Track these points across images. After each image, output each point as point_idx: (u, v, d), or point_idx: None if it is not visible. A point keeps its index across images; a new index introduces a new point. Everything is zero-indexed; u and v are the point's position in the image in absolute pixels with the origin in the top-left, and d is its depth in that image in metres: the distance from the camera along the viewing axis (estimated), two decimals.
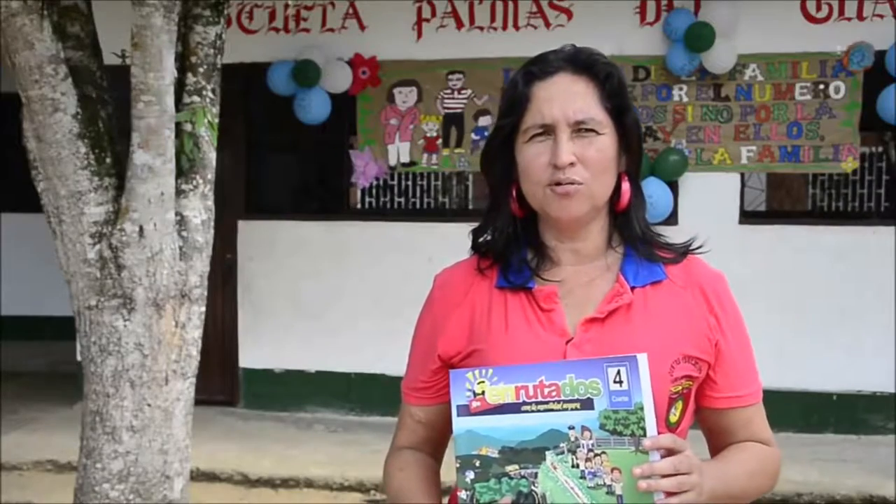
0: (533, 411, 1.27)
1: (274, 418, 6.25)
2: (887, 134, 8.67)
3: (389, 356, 5.69)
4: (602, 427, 1.25)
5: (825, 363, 5.79)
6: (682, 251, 1.48)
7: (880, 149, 9.52)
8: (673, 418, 1.41)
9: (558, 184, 1.38)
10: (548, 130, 1.39)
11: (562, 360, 1.32)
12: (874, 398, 5.78)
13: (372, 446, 5.48)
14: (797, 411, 5.75)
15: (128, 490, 3.02)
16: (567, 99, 1.39)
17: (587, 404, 1.26)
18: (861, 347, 5.72)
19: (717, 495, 1.33)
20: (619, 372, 1.26)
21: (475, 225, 1.53)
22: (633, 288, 1.42)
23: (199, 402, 3.39)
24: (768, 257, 5.81)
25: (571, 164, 1.37)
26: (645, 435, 1.24)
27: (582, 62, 1.42)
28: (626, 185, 1.45)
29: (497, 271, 1.47)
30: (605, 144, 1.40)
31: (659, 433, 1.28)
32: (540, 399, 1.27)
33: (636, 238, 1.46)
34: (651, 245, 1.46)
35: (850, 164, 5.77)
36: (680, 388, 1.40)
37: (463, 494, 1.29)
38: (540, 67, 1.42)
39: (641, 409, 1.24)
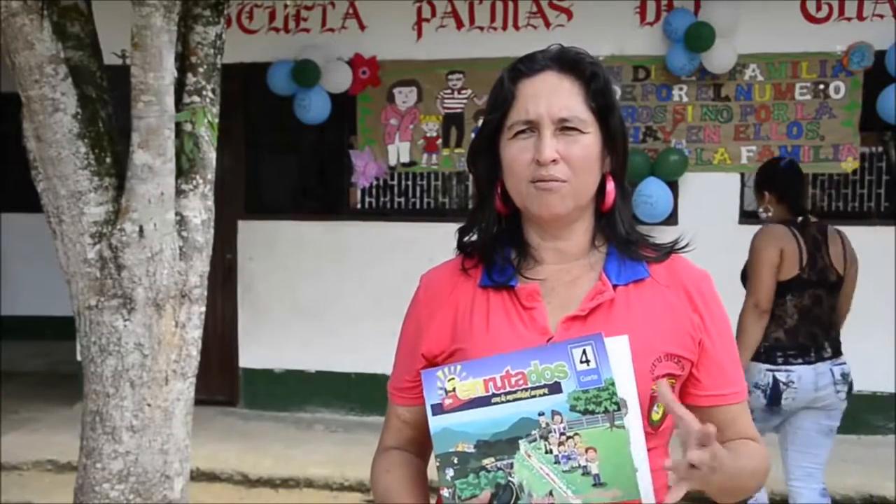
0: (503, 402, 1.28)
1: (274, 418, 6.25)
2: (887, 134, 8.65)
3: (389, 356, 5.67)
4: (573, 409, 1.26)
5: None
6: (667, 251, 1.48)
7: (880, 149, 9.51)
8: (655, 416, 1.40)
9: (541, 180, 1.38)
10: (532, 127, 1.40)
11: (526, 348, 1.32)
12: (874, 398, 5.78)
13: (372, 446, 5.47)
14: None
15: (128, 490, 3.02)
16: (552, 96, 1.40)
17: (555, 388, 1.27)
18: (861, 347, 5.70)
19: (720, 488, 1.34)
20: (584, 351, 1.27)
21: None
22: (615, 286, 1.42)
23: (199, 402, 3.38)
24: None
25: (554, 161, 1.37)
26: (619, 409, 1.25)
27: (568, 61, 1.42)
28: (610, 186, 1.45)
29: (481, 270, 1.47)
30: (588, 143, 1.40)
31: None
32: (508, 389, 1.28)
33: (620, 239, 1.46)
34: (635, 245, 1.46)
35: (850, 164, 5.78)
36: None
37: (445, 492, 1.30)
38: (526, 65, 1.43)
39: (612, 384, 1.26)
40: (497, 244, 1.47)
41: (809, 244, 3.63)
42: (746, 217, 6.21)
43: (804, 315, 3.60)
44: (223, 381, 6.41)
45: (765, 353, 3.57)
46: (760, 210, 3.83)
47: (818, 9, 5.69)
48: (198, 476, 4.78)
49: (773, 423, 3.69)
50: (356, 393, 6.26)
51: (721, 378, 1.46)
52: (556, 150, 1.38)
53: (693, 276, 1.47)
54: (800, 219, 3.68)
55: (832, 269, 3.67)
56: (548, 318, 1.41)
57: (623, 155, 1.46)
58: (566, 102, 1.39)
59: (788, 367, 3.57)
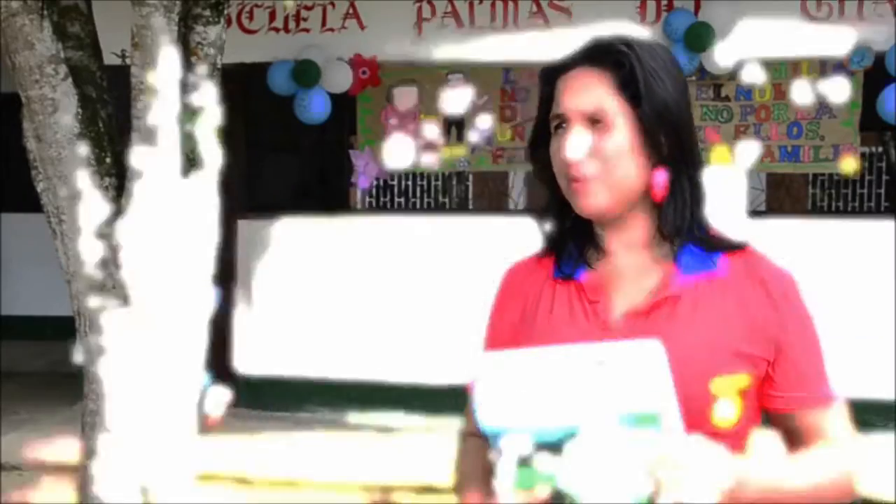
0: (552, 410, 1.25)
1: (274, 418, 6.25)
2: (887, 134, 8.69)
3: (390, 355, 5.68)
4: (624, 422, 1.22)
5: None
6: (739, 245, 1.42)
7: (880, 149, 9.53)
8: (720, 420, 1.34)
9: (574, 178, 1.38)
10: (564, 123, 1.40)
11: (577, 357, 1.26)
12: (874, 401, 5.77)
13: (372, 447, 5.48)
14: None
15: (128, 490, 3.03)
16: (578, 91, 1.38)
17: (605, 402, 1.23)
18: (861, 349, 5.71)
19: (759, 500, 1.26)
20: (640, 369, 1.21)
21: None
22: (683, 281, 1.37)
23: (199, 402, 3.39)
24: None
25: (580, 158, 1.36)
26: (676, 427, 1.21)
27: (597, 53, 1.41)
28: (658, 178, 1.39)
29: (553, 262, 1.48)
30: (617, 136, 1.37)
31: (705, 433, 1.22)
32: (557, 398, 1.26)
33: (677, 232, 1.39)
34: (705, 237, 1.41)
35: (850, 164, 5.77)
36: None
37: (496, 482, 1.29)
38: (564, 61, 1.43)
39: (669, 403, 1.20)
40: (568, 235, 1.47)
41: None
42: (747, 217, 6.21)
43: None
44: (223, 382, 6.40)
45: None
46: None
47: (818, 9, 5.69)
48: (198, 476, 4.77)
49: None
50: (356, 393, 6.26)
51: (797, 380, 1.38)
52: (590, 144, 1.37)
53: (773, 272, 1.42)
54: None
55: None
56: (610, 313, 1.39)
57: (680, 141, 1.41)
58: (591, 96, 1.37)
59: None
